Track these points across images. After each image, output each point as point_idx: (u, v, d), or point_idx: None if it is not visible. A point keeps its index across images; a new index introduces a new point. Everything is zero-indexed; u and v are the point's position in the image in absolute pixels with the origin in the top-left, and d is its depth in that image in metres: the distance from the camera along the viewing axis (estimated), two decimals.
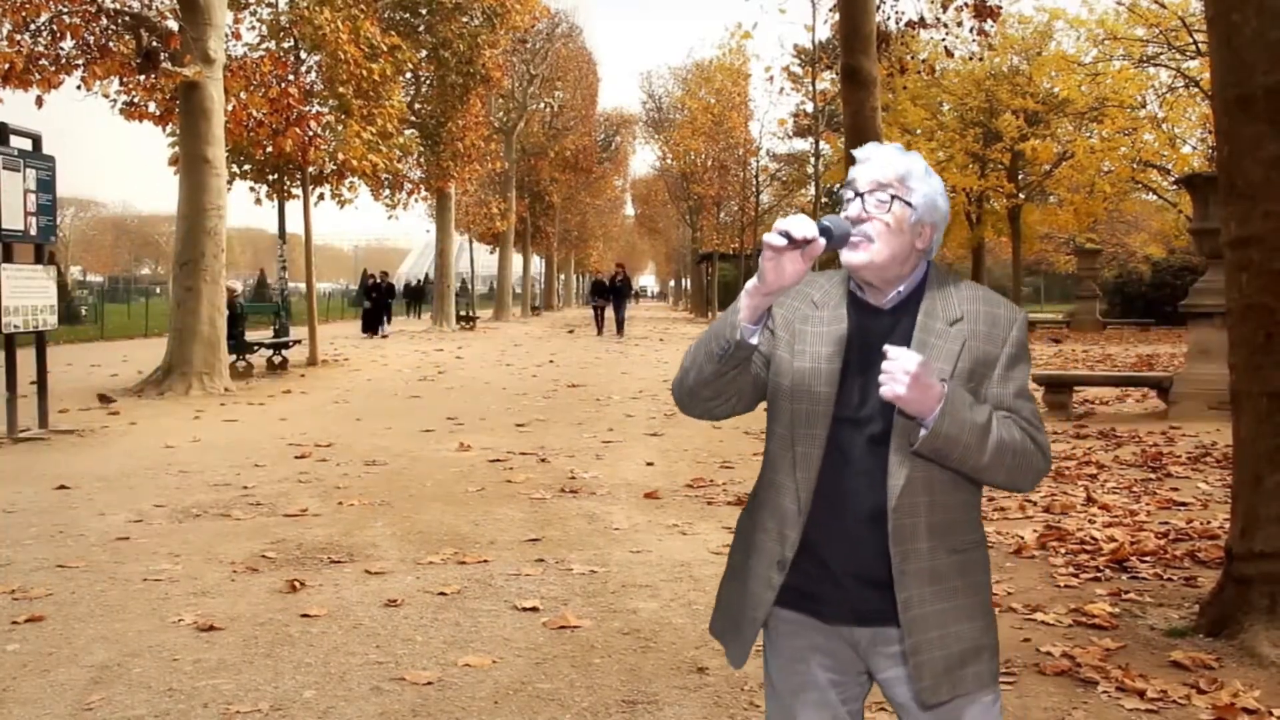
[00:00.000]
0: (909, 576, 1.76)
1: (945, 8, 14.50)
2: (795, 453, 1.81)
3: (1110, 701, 3.42)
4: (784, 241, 1.66)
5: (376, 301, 29.32)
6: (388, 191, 22.65)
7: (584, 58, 47.69)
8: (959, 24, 14.77)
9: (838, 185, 41.95)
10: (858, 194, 1.81)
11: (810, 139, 30.40)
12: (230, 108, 14.39)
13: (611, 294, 30.95)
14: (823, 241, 1.70)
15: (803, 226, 1.66)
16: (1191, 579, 4.81)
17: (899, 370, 1.66)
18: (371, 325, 28.84)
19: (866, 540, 1.78)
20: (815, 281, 1.91)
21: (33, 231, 9.64)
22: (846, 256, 1.79)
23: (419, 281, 50.63)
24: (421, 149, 26.56)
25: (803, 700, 1.87)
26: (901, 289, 1.84)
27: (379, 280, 30.34)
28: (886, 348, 1.70)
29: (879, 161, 1.82)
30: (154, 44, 12.81)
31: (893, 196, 1.79)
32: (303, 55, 19.10)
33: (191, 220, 13.18)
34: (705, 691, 3.54)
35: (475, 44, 26.29)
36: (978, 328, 1.81)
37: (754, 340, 1.75)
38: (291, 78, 16.84)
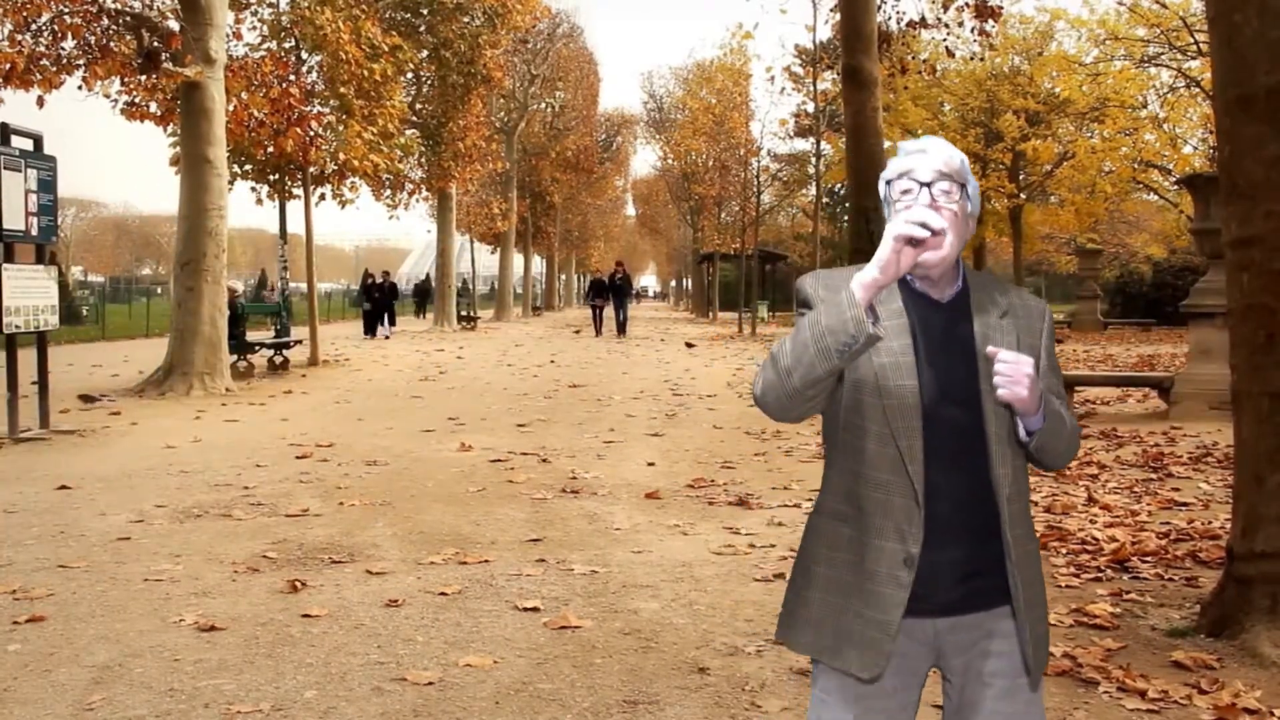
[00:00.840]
0: (1022, 560, 1.84)
1: (946, 8, 14.51)
2: (899, 447, 1.80)
3: (1111, 702, 3.42)
4: (926, 232, 1.69)
5: (378, 302, 28.61)
6: (389, 192, 22.65)
7: (585, 58, 47.69)
8: (960, 24, 14.79)
9: (838, 185, 42.10)
10: (921, 184, 1.81)
11: (811, 139, 30.38)
12: (231, 108, 14.39)
13: (612, 293, 30.09)
14: (941, 240, 1.76)
15: (937, 219, 1.72)
16: (1193, 579, 4.81)
17: (1019, 374, 1.72)
18: (373, 327, 28.17)
19: (959, 530, 1.82)
20: (851, 275, 1.90)
21: (34, 232, 9.64)
22: (926, 245, 1.77)
23: (424, 280, 50.44)
24: (422, 149, 26.55)
25: (869, 706, 1.86)
26: (958, 283, 1.88)
27: (380, 280, 29.56)
28: (994, 350, 1.75)
29: (940, 151, 1.83)
30: (155, 44, 12.81)
31: (959, 185, 1.82)
32: (304, 55, 19.10)
33: (192, 220, 13.19)
34: (706, 692, 3.54)
35: (476, 44, 26.29)
36: (1019, 320, 1.89)
37: (879, 331, 1.73)
38: (292, 78, 16.83)
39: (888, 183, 1.87)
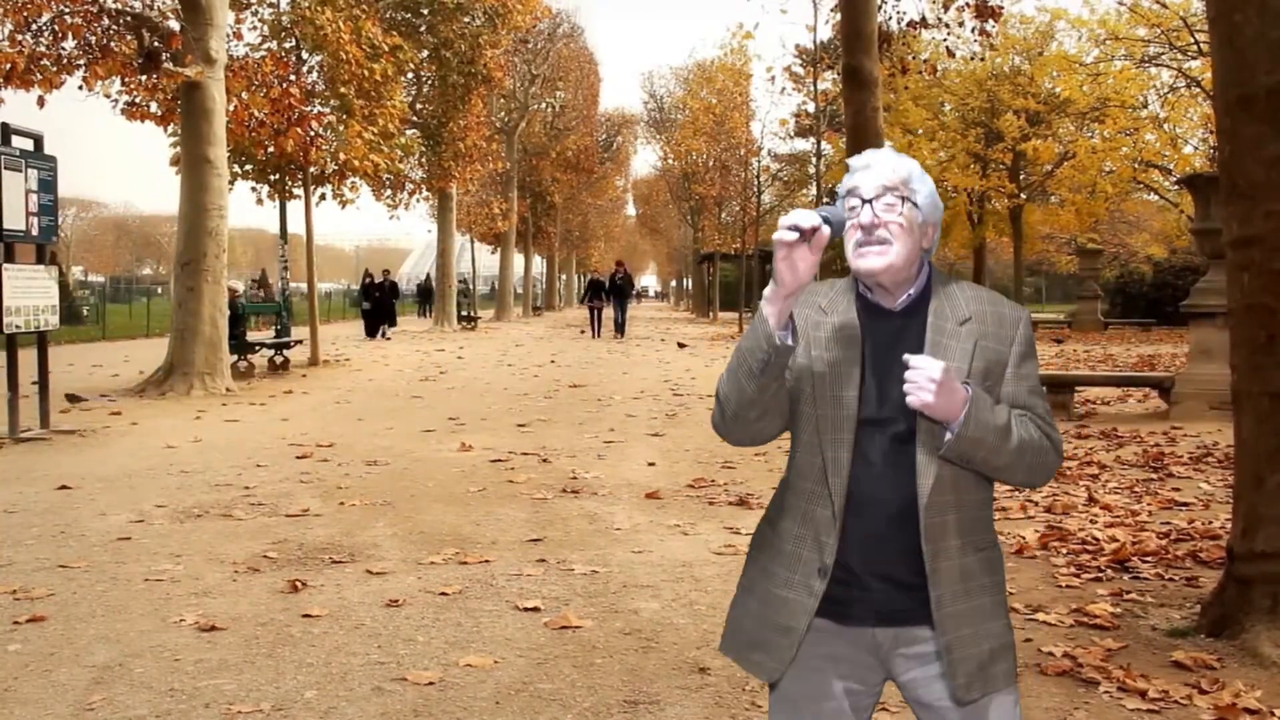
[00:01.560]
0: (941, 574, 1.78)
1: (947, 8, 14.50)
2: (825, 458, 1.81)
3: (1112, 702, 3.42)
4: (795, 235, 1.68)
5: (378, 302, 28.05)
6: (389, 192, 22.66)
7: (585, 58, 47.69)
8: (960, 24, 14.77)
9: (839, 185, 41.87)
10: (864, 201, 1.82)
11: (812, 139, 30.39)
12: (232, 108, 14.40)
13: (612, 293, 29.21)
14: (827, 230, 1.72)
15: (808, 217, 1.69)
16: (1193, 579, 4.81)
17: (924, 378, 1.69)
18: (374, 328, 27.64)
19: (892, 540, 1.80)
20: (818, 289, 1.92)
21: (34, 232, 9.64)
22: (864, 263, 1.79)
23: (426, 279, 50.33)
24: (423, 149, 26.55)
25: (816, 710, 1.86)
26: (912, 291, 1.86)
27: (380, 280, 28.98)
28: (908, 356, 1.73)
29: (882, 166, 1.84)
30: (155, 44, 12.81)
31: (901, 198, 1.81)
32: (304, 55, 19.10)
33: (193, 220, 13.19)
34: (707, 692, 3.54)
35: (477, 44, 26.29)
36: (986, 327, 1.84)
37: (790, 341, 1.75)
38: (293, 78, 16.84)
39: (839, 198, 1.89)
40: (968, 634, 1.80)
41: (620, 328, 28.76)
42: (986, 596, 1.83)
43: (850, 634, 1.84)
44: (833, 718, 1.86)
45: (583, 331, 30.36)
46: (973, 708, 1.81)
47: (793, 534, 1.86)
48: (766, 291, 1.74)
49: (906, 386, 1.71)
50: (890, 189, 1.82)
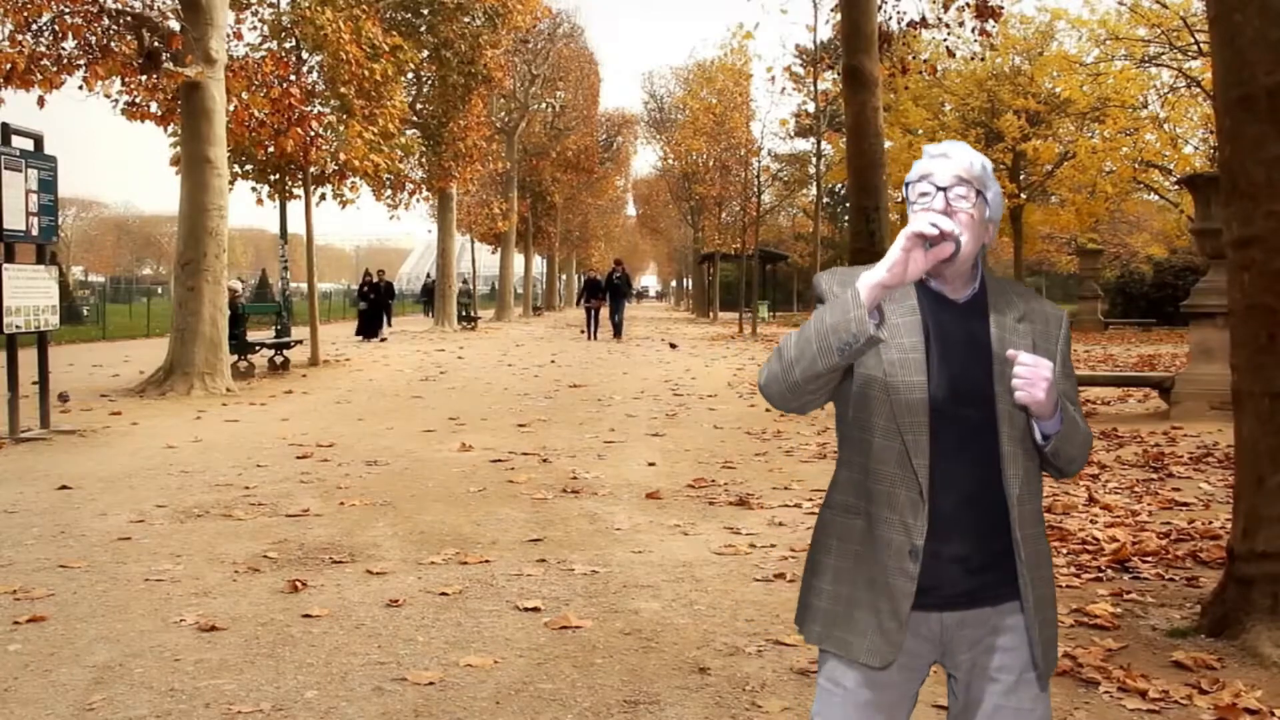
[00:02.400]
0: (1032, 559, 1.86)
1: (947, 8, 14.50)
2: (905, 441, 1.83)
3: (1112, 702, 3.42)
4: (936, 230, 1.72)
5: (374, 302, 27.37)
6: (389, 192, 22.64)
7: (586, 58, 47.68)
8: (960, 24, 14.79)
9: (839, 185, 42.07)
10: (939, 188, 1.84)
11: (812, 139, 30.36)
12: (232, 108, 14.40)
13: (609, 293, 28.41)
14: (953, 247, 1.77)
15: (948, 221, 1.75)
16: (1193, 579, 4.81)
17: (1037, 376, 1.74)
18: (369, 328, 26.91)
19: (961, 525, 1.84)
20: None
21: (34, 232, 9.65)
22: (938, 250, 1.80)
23: (429, 279, 50.26)
24: (423, 149, 26.55)
25: (868, 698, 1.88)
26: (975, 285, 1.91)
27: (376, 279, 28.28)
28: (1014, 353, 1.78)
29: (961, 157, 1.86)
30: (156, 44, 12.82)
31: (976, 191, 1.85)
32: (304, 55, 19.10)
33: (193, 220, 13.19)
34: (707, 692, 3.54)
35: (477, 44, 26.29)
36: (1037, 326, 1.91)
37: (881, 334, 1.76)
38: (293, 78, 16.84)
39: (908, 185, 1.91)
40: (1049, 616, 1.89)
41: (618, 329, 28.17)
42: (1050, 586, 1.92)
43: (915, 619, 1.87)
44: (886, 706, 1.89)
45: (582, 332, 29.87)
46: (1018, 692, 1.87)
47: (881, 518, 1.86)
48: (868, 278, 1.74)
49: (1016, 382, 1.75)
50: (965, 180, 1.84)
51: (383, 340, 26.19)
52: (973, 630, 1.88)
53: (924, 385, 1.83)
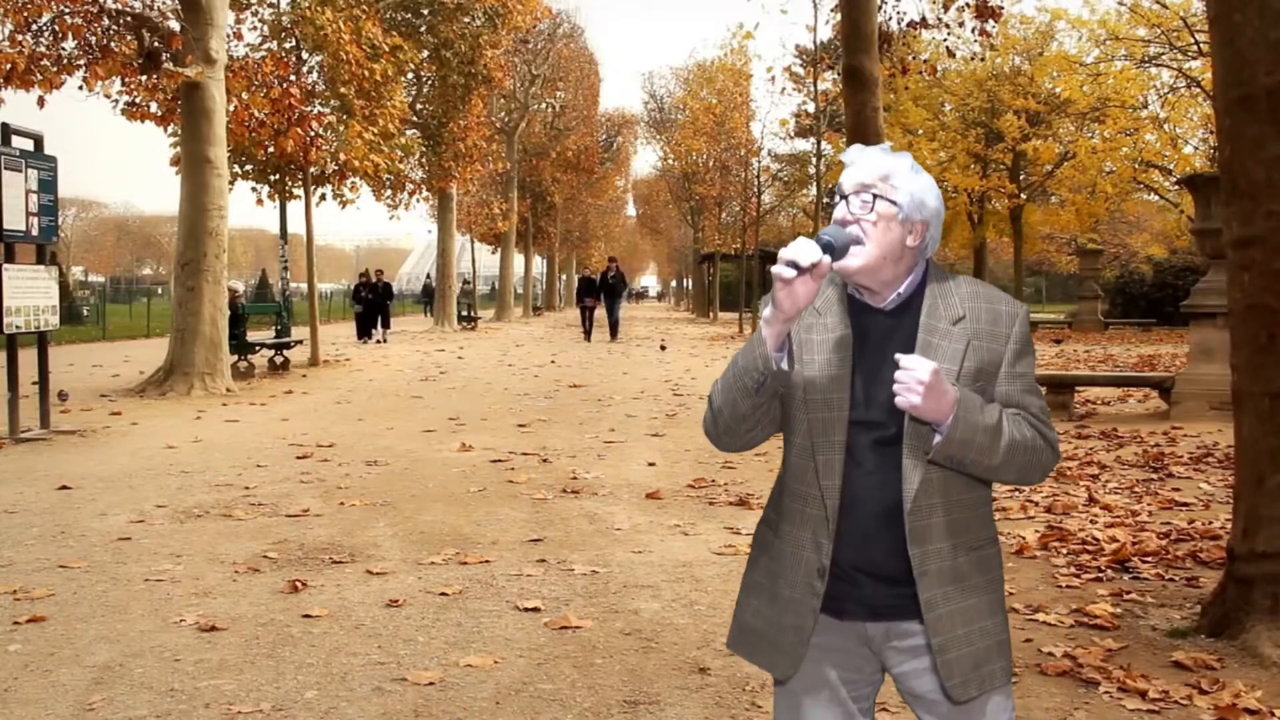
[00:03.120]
0: (930, 576, 1.79)
1: (947, 8, 14.50)
2: (818, 461, 1.82)
3: (1112, 702, 3.42)
4: (793, 272, 1.68)
5: (371, 303, 26.56)
6: (389, 192, 22.65)
7: (586, 58, 47.67)
8: (961, 24, 14.77)
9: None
10: (843, 196, 1.82)
11: (812, 139, 30.38)
12: (232, 108, 14.40)
13: (604, 293, 27.63)
14: (828, 260, 1.71)
15: (807, 252, 1.68)
16: (1193, 579, 4.81)
17: (913, 380, 1.68)
18: (366, 330, 26.21)
19: (880, 538, 1.81)
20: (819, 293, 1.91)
21: (34, 232, 9.65)
22: (840, 263, 1.78)
23: (428, 279, 50.19)
24: (423, 149, 26.55)
25: (815, 699, 1.90)
26: (901, 290, 1.84)
27: (374, 280, 27.51)
28: (898, 357, 1.71)
29: (862, 163, 1.82)
30: (156, 44, 12.82)
31: (875, 196, 1.79)
32: (304, 55, 19.11)
33: (193, 220, 13.20)
34: (707, 692, 3.54)
35: (477, 44, 26.28)
36: (980, 326, 1.82)
37: (785, 366, 1.77)
38: (293, 78, 16.84)
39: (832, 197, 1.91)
40: (961, 634, 1.80)
41: (614, 329, 27.50)
42: (980, 595, 1.83)
43: (844, 627, 1.87)
44: (830, 707, 1.89)
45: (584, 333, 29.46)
46: (969, 705, 1.83)
47: (791, 536, 1.88)
48: (765, 313, 1.75)
49: (895, 387, 1.70)
50: (866, 186, 1.80)
51: (380, 343, 25.55)
52: (901, 642, 1.86)
53: (843, 402, 1.80)
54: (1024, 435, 1.78)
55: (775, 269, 1.69)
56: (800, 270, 1.68)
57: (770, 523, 1.96)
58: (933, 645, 1.79)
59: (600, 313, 28.07)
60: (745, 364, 1.77)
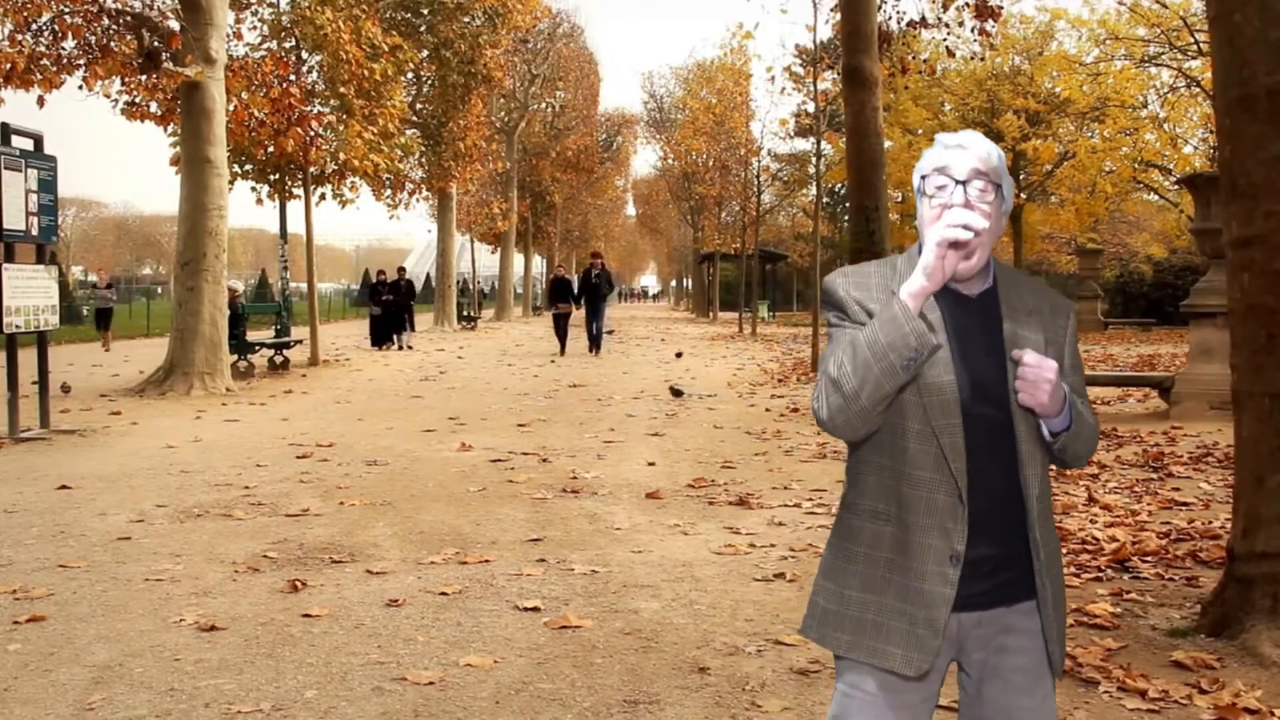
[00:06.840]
0: (1048, 558, 1.86)
1: (946, 8, 14.50)
2: (941, 444, 1.78)
3: (1112, 701, 3.42)
4: (969, 234, 1.68)
5: (390, 306, 23.39)
6: (389, 192, 22.65)
7: (585, 58, 47.68)
8: (960, 24, 14.79)
9: (839, 185, 42.08)
10: (957, 182, 1.78)
11: (812, 139, 30.36)
12: (232, 108, 14.41)
13: (585, 296, 21.20)
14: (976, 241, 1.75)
15: (979, 219, 1.69)
16: (1193, 579, 4.81)
17: (1039, 378, 1.71)
18: (383, 336, 23.17)
19: (992, 527, 1.82)
20: (882, 274, 1.88)
21: (34, 232, 9.65)
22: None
23: (426, 279, 50.21)
24: (423, 149, 26.56)
25: (894, 702, 1.86)
26: (989, 280, 1.87)
27: (395, 279, 24.22)
28: (1019, 353, 1.75)
29: (978, 148, 1.79)
30: (155, 44, 12.82)
31: (994, 185, 1.79)
32: (304, 55, 19.11)
33: (193, 220, 13.20)
34: (707, 692, 3.54)
35: (477, 44, 26.29)
36: (1045, 318, 1.87)
37: (940, 340, 1.74)
38: (293, 78, 16.85)
39: (922, 177, 1.83)
40: (1062, 612, 1.90)
41: (596, 341, 21.09)
42: (1062, 583, 1.93)
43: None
44: (911, 709, 1.87)
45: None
46: (1031, 691, 1.91)
47: (918, 524, 1.81)
48: (910, 287, 1.70)
49: (1019, 384, 1.73)
50: (983, 173, 1.78)
51: (408, 348, 22.92)
52: (987, 629, 1.86)
53: (954, 385, 1.79)
54: (1091, 419, 1.87)
55: (947, 232, 1.67)
56: (975, 234, 1.69)
57: (878, 514, 1.86)
58: (1046, 626, 1.86)
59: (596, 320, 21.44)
60: (891, 340, 1.68)
